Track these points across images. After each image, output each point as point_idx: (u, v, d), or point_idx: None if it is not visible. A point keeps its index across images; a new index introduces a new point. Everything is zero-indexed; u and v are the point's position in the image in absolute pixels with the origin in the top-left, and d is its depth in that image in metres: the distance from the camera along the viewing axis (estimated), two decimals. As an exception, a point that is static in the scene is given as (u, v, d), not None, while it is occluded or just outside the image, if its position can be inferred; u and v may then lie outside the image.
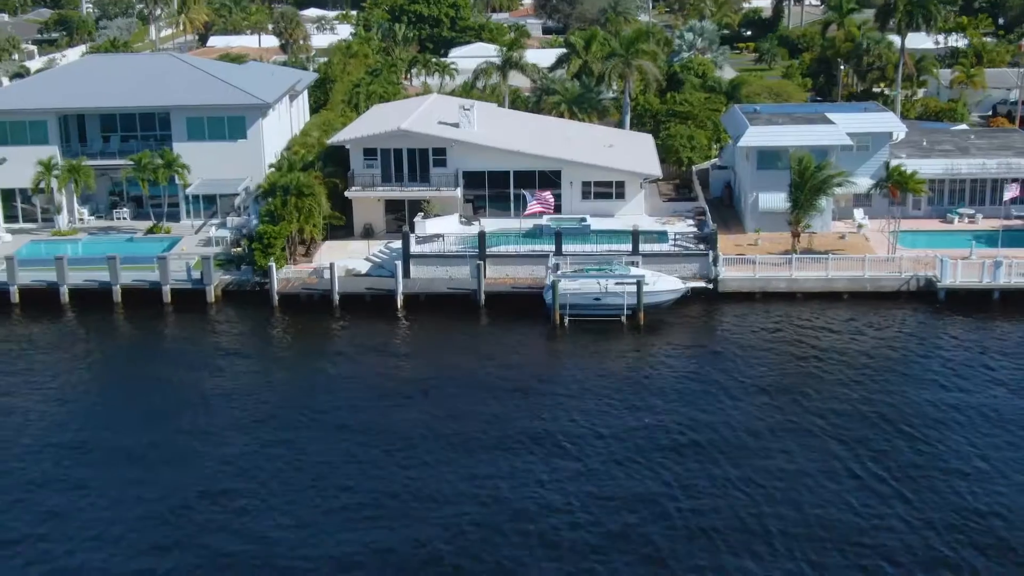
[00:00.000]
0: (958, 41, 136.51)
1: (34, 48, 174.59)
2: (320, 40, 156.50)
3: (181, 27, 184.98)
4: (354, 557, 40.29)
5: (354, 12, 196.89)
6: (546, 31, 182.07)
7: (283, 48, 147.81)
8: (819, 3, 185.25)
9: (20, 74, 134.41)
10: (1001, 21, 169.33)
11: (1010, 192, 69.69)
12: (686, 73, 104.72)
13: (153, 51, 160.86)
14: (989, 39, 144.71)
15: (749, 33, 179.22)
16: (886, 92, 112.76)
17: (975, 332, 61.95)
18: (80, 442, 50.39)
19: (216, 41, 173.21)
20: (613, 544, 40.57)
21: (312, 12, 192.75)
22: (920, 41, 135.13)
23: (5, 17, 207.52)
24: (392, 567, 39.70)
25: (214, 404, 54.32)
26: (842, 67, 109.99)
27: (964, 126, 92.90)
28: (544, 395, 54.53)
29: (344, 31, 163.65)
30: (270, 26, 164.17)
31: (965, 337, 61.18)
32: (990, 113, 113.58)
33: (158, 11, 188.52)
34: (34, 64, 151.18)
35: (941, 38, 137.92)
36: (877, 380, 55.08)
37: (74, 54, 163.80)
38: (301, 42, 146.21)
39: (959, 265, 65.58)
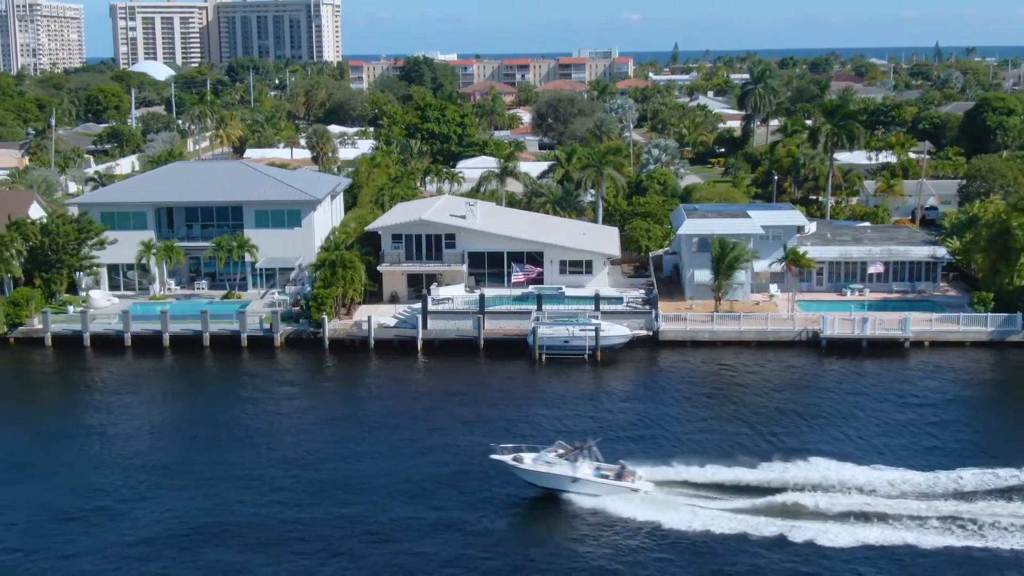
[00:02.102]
0: (888, 157, 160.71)
1: (90, 157, 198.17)
2: (344, 153, 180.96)
3: (219, 140, 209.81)
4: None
5: (372, 129, 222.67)
6: (542, 146, 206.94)
7: (314, 159, 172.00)
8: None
9: (93, 178, 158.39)
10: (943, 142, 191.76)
11: (873, 268, 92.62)
12: (650, 181, 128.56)
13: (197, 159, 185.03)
14: (920, 155, 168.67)
15: (723, 150, 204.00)
16: (820, 199, 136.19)
17: (847, 368, 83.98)
18: (180, 447, 72.63)
19: (251, 153, 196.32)
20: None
21: (334, 128, 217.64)
22: (857, 158, 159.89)
23: (60, 131, 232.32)
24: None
25: (284, 417, 76.56)
26: (775, 177, 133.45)
27: (866, 224, 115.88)
28: (522, 407, 76.71)
29: (364, 145, 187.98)
30: (302, 141, 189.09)
31: (839, 371, 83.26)
32: (909, 217, 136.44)
33: (198, 125, 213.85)
34: (88, 171, 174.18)
35: (873, 155, 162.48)
36: (765, 398, 77.20)
37: (126, 163, 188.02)
38: (330, 154, 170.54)
39: (836, 321, 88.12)
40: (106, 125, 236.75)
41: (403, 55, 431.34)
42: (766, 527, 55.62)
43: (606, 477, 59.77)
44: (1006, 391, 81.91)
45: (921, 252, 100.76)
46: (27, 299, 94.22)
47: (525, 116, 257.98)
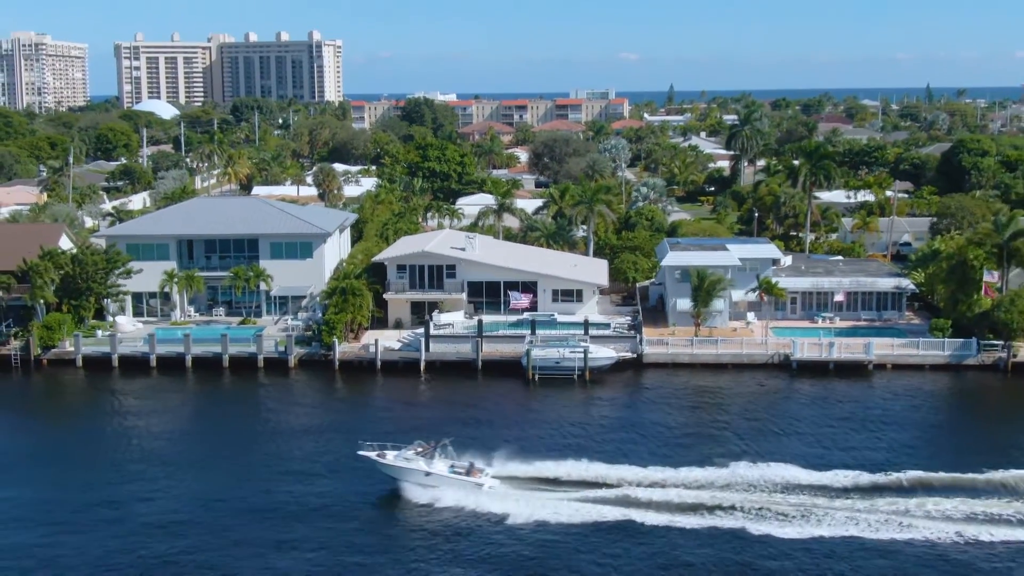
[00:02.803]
0: (867, 196, 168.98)
1: (104, 194, 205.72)
2: (348, 190, 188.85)
3: (227, 178, 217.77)
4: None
5: (374, 167, 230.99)
6: (538, 185, 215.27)
7: (321, 196, 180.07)
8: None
9: (110, 214, 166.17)
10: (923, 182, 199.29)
11: (838, 296, 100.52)
12: (638, 217, 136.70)
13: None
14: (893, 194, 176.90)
15: (712, 188, 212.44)
16: (800, 235, 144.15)
17: (815, 389, 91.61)
18: (195, 457, 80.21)
19: (259, 190, 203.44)
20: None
21: (338, 167, 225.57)
22: (838, 196, 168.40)
23: (75, 169, 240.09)
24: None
25: (300, 428, 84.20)
26: (756, 215, 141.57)
27: (839, 257, 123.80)
28: (517, 421, 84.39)
29: (367, 183, 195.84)
30: (308, 178, 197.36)
31: (807, 392, 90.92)
32: (884, 252, 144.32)
33: (207, 163, 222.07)
34: (105, 207, 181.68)
35: (853, 193, 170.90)
36: (741, 415, 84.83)
37: (138, 199, 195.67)
38: (336, 192, 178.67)
39: (806, 345, 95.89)
40: (118, 163, 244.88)
41: (403, 94, 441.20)
42: (601, 515, 63.69)
43: (458, 473, 68.66)
44: (958, 408, 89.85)
45: (887, 283, 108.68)
46: (59, 323, 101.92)
47: (522, 155, 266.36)
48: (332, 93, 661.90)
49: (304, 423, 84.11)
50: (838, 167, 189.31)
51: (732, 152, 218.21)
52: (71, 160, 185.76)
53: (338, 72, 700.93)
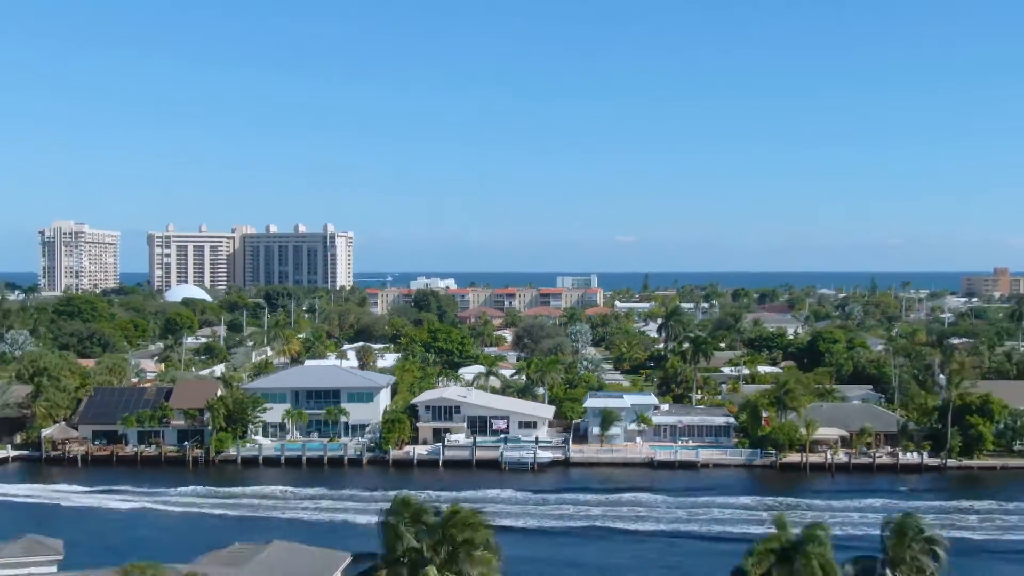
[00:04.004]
0: (744, 370, 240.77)
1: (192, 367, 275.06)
2: (379, 363, 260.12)
3: (281, 353, 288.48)
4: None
5: (392, 345, 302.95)
6: (519, 359, 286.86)
7: (361, 367, 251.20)
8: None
9: (220, 378, 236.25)
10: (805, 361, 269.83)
11: (680, 425, 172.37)
12: (580, 380, 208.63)
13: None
14: (769, 368, 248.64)
15: (652, 364, 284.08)
16: (690, 395, 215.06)
17: (665, 475, 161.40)
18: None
19: (309, 363, 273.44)
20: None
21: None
22: (727, 368, 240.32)
23: (160, 345, 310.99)
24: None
25: (372, 498, 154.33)
26: (655, 381, 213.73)
27: (701, 406, 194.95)
28: (495, 486, 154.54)
29: (390, 358, 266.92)
30: (350, 353, 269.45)
31: (660, 476, 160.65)
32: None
33: (273, 341, 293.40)
34: (202, 374, 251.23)
35: (736, 369, 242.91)
36: (614, 495, 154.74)
37: (219, 369, 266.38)
38: (372, 363, 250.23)
39: (661, 453, 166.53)
40: (203, 340, 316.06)
41: (406, 273, 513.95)
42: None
43: None
44: (743, 482, 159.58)
45: (720, 420, 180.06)
46: (224, 439, 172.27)
47: (508, 336, 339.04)
48: (343, 278, 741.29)
49: (378, 493, 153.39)
50: (748, 347, 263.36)
51: (663, 336, 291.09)
52: (184, 339, 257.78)
53: (349, 259, 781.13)
